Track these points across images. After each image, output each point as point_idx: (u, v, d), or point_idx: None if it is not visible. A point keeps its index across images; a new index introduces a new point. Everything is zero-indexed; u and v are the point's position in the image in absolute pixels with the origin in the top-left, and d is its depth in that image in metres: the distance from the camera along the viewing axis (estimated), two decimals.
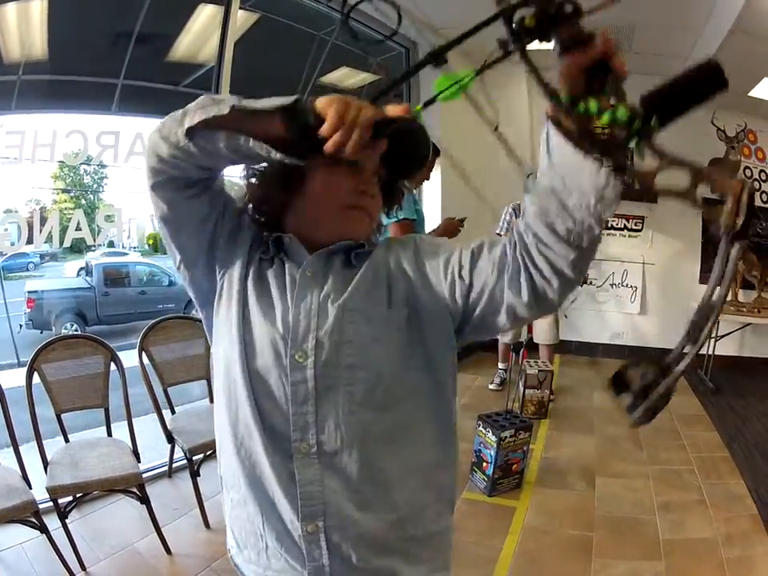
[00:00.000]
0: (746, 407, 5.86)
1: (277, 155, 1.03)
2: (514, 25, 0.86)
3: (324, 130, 0.98)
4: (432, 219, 5.15)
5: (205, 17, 4.84)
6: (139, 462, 3.30)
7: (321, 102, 0.99)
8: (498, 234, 5.82)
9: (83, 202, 7.98)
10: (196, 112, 1.04)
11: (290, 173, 1.23)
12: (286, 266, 1.25)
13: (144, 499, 3.19)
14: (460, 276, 1.16)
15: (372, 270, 1.22)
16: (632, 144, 0.85)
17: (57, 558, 2.94)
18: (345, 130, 0.97)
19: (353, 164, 1.21)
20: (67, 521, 3.06)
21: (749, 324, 6.76)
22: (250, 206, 1.33)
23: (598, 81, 0.85)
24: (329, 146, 0.99)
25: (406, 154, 1.21)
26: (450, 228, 4.41)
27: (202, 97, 1.09)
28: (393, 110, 1.05)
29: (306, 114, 1.00)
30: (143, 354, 3.72)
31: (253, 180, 1.32)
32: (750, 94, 6.22)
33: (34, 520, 2.84)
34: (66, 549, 2.99)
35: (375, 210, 1.32)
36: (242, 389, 1.17)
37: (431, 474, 1.26)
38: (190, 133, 1.05)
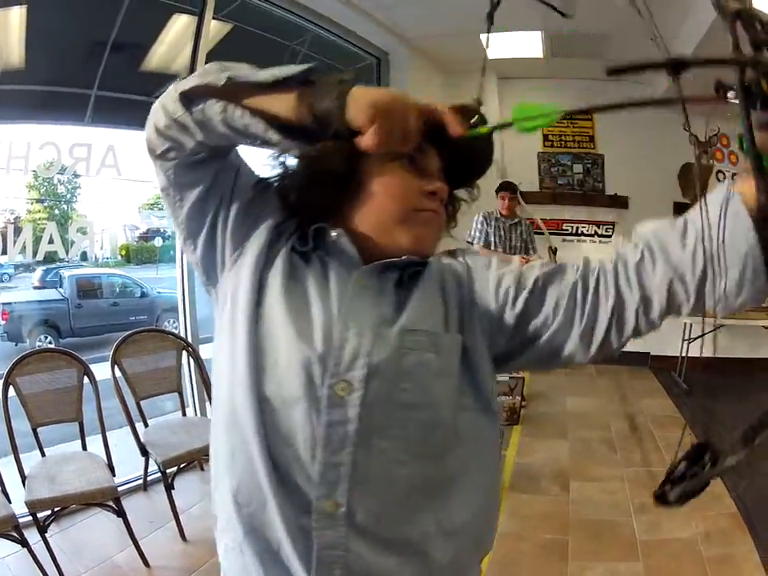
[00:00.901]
0: (721, 407, 5.87)
1: (274, 136, 0.92)
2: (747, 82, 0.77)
3: (365, 144, 0.89)
4: None
5: (179, 27, 4.83)
6: (114, 475, 3.29)
7: (358, 112, 0.87)
8: (468, 243, 5.85)
9: (56, 212, 7.92)
10: (195, 77, 0.93)
11: (344, 172, 1.03)
12: (330, 267, 1.02)
13: (120, 512, 3.18)
14: (513, 302, 1.01)
15: (427, 289, 1.03)
16: None
17: (39, 572, 2.93)
18: (389, 144, 0.90)
19: (414, 162, 1.05)
20: (47, 535, 3.04)
21: (721, 326, 6.82)
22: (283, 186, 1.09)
23: None
24: (366, 149, 0.90)
25: (465, 156, 1.11)
26: None
27: (211, 63, 0.96)
28: (445, 114, 0.92)
29: (333, 115, 0.87)
30: (116, 366, 3.70)
31: (292, 171, 1.09)
32: None
33: (14, 534, 2.83)
34: (47, 563, 2.98)
35: (443, 218, 1.14)
36: (247, 420, 0.92)
37: (476, 531, 1.04)
38: (187, 102, 0.93)
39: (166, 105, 0.95)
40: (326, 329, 0.93)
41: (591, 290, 0.97)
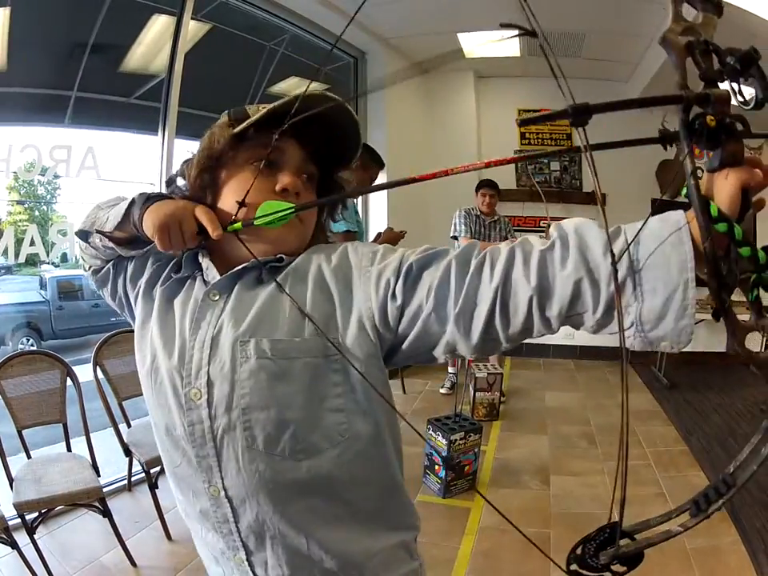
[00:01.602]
0: (703, 401, 5.94)
1: (130, 252, 1.20)
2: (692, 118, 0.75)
3: (157, 247, 1.07)
4: (376, 231, 5.23)
5: (158, 27, 4.83)
6: (99, 476, 3.30)
7: (145, 229, 1.07)
8: (453, 238, 5.87)
9: (36, 213, 7.87)
10: (81, 224, 1.27)
11: (203, 187, 1.14)
12: (195, 288, 1.13)
13: (106, 513, 3.20)
14: (393, 294, 0.97)
15: (284, 292, 1.04)
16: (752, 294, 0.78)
17: (29, 574, 2.94)
18: (171, 247, 1.07)
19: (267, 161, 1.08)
20: (35, 536, 3.05)
21: (702, 320, 6.87)
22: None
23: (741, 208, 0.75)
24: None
25: (328, 138, 1.12)
26: (392, 239, 4.44)
27: (92, 208, 1.28)
28: (203, 220, 1.06)
29: (139, 230, 1.11)
30: (97, 368, 3.71)
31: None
32: None
33: (4, 536, 2.84)
34: (36, 565, 2.99)
35: (306, 212, 1.15)
36: (152, 422, 1.16)
37: (368, 525, 1.11)
38: (85, 238, 1.24)
39: (77, 242, 1.29)
40: (181, 345, 1.08)
41: (472, 269, 0.90)
